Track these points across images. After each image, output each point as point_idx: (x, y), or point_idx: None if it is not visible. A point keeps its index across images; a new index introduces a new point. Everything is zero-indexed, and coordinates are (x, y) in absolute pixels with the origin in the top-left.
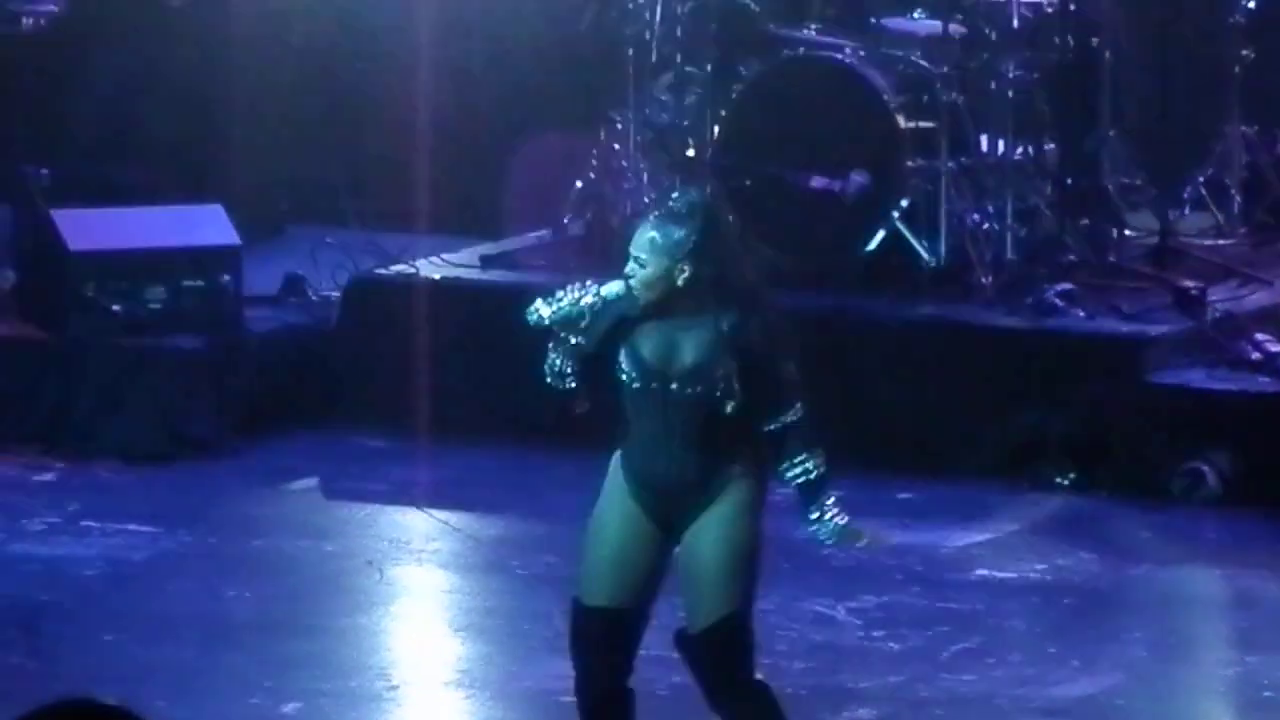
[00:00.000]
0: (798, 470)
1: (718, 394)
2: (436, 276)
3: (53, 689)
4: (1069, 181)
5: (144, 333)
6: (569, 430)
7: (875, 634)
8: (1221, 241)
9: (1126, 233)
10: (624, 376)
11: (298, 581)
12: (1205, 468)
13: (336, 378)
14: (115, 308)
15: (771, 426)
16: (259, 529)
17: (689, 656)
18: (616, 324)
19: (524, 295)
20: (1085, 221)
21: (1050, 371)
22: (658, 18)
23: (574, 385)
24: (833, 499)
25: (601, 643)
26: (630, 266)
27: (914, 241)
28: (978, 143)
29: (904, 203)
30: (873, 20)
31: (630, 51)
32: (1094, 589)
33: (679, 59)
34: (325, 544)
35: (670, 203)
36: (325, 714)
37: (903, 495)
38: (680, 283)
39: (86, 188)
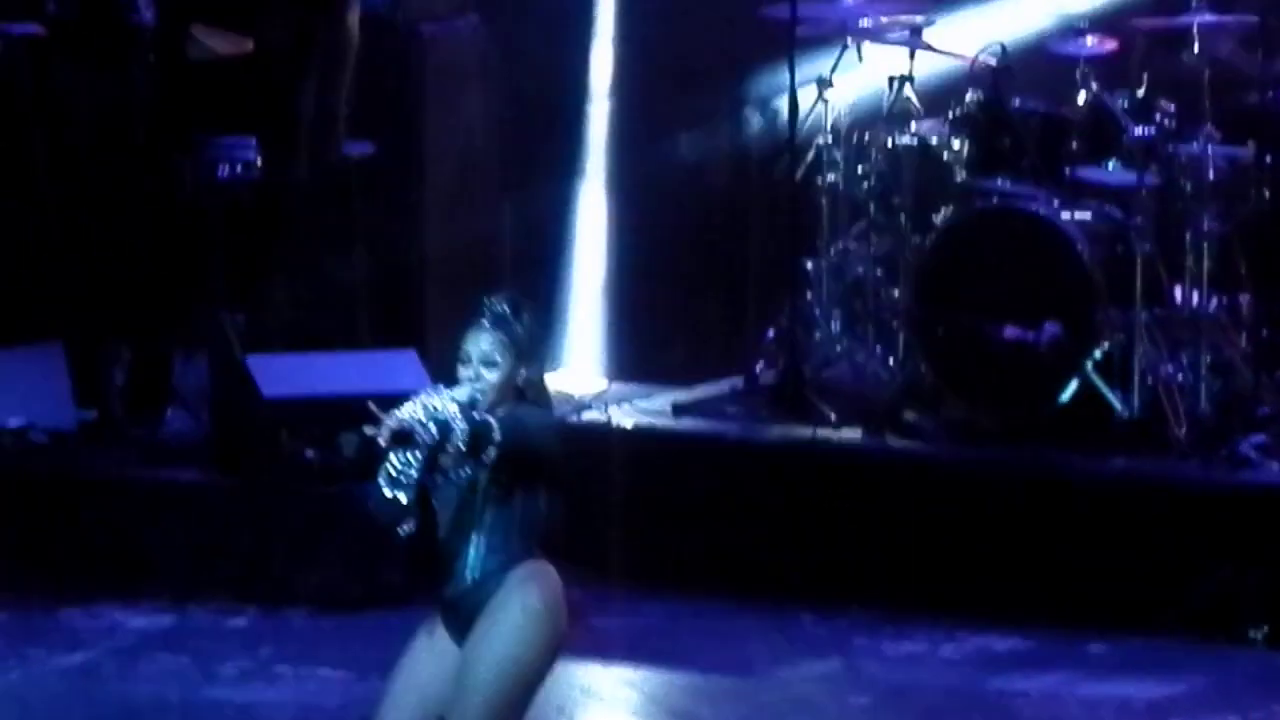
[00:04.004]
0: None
1: (488, 469)
2: (629, 424)
3: None
4: (1264, 333)
5: (338, 479)
6: (759, 579)
7: None
8: None
9: None
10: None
11: None
12: None
13: None
14: (309, 454)
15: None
16: None
17: None
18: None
19: (718, 444)
20: None
21: (1245, 525)
22: (852, 166)
23: (409, 499)
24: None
25: None
26: (474, 371)
27: (1108, 393)
28: (1172, 294)
29: (1098, 354)
30: (1067, 171)
31: (824, 199)
32: None
33: (872, 208)
34: None
35: (493, 307)
36: None
37: (1095, 648)
38: (520, 383)
39: (281, 334)
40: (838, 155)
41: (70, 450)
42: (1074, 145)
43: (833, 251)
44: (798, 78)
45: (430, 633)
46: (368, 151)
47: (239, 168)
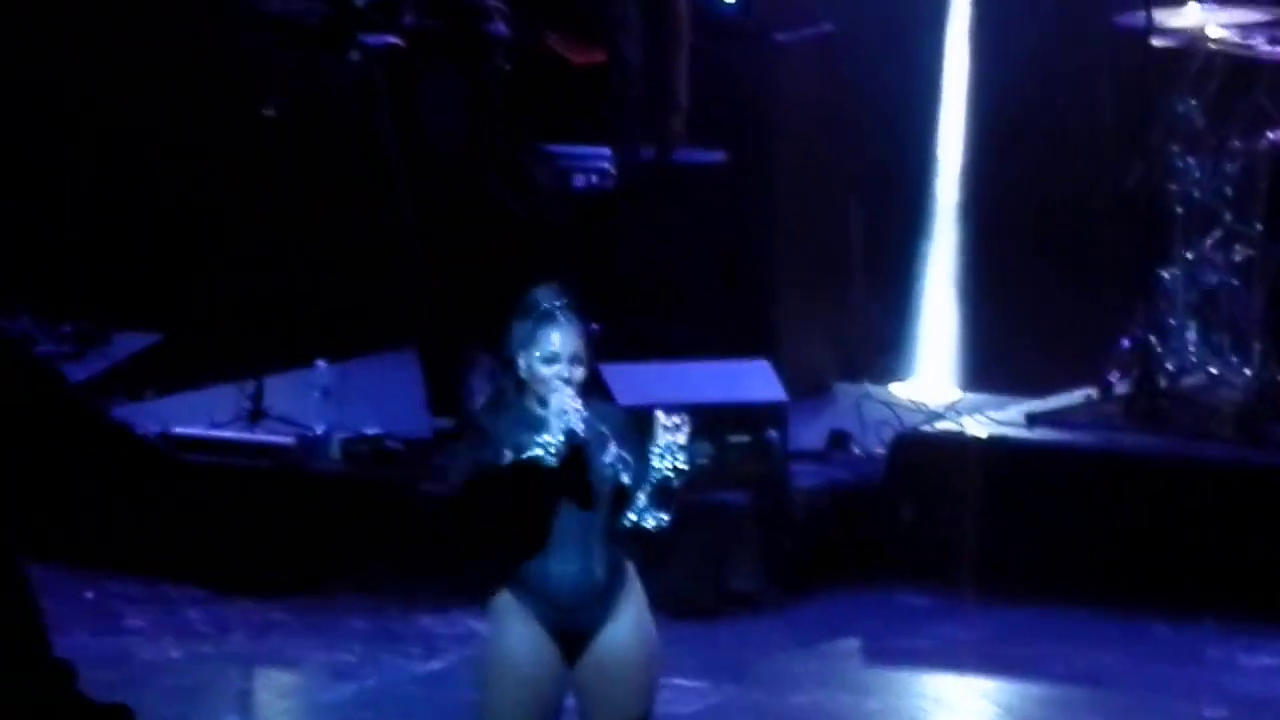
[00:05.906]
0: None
1: (614, 474)
2: (983, 435)
3: None
4: None
5: (691, 487)
6: (1113, 588)
7: None
8: None
9: None
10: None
11: None
12: None
13: (882, 534)
14: None
15: (633, 520)
16: (802, 684)
17: None
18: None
19: (1072, 454)
20: None
21: None
22: (1206, 175)
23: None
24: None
25: None
26: (566, 370)
27: None
28: None
29: None
30: None
31: (1178, 207)
32: None
33: (1227, 217)
34: (868, 701)
35: (556, 300)
36: None
37: None
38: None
39: (636, 342)
40: (1192, 162)
41: (425, 458)
42: None
43: (1188, 259)
44: (1152, 85)
45: (532, 644)
46: (719, 159)
47: (594, 177)
